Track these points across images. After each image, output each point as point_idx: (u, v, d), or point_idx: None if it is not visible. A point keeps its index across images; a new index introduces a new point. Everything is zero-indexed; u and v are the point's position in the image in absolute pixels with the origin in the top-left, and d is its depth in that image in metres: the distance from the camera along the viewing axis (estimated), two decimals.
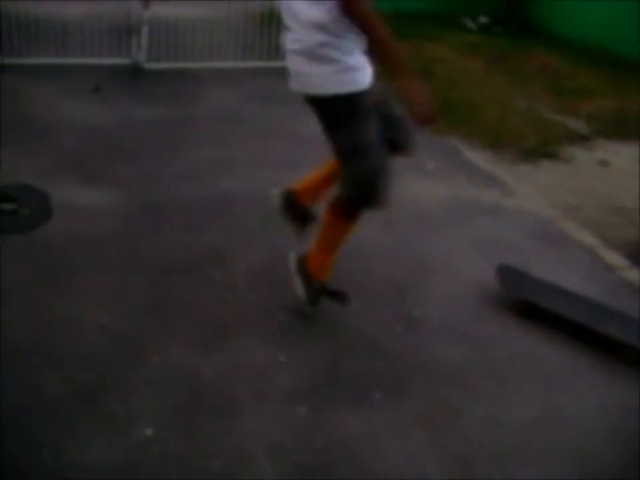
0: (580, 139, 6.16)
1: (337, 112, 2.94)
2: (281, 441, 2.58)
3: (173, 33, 7.35)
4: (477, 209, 4.59)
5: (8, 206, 4.07)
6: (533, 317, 3.44)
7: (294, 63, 3.01)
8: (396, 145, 3.13)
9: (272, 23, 8.18)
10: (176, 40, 7.33)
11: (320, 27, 2.82)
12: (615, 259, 4.16)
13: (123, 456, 2.45)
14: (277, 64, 7.23)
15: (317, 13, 2.81)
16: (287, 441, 2.58)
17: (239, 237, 3.92)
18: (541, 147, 5.83)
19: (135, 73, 7.07)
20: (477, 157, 5.56)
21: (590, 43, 9.51)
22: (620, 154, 5.92)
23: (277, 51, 7.55)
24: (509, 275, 3.64)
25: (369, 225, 4.18)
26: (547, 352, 3.24)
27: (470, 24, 10.79)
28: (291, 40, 2.98)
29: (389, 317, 3.36)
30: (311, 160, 4.87)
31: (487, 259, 3.85)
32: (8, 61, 6.71)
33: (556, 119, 6.66)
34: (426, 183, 4.91)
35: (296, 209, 3.48)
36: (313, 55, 2.88)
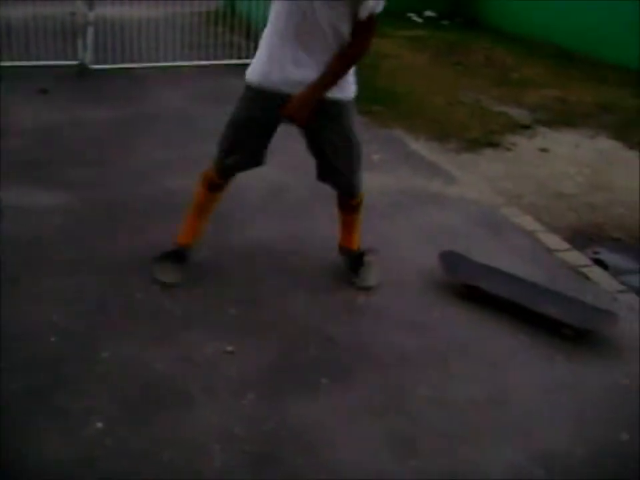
0: (522, 128, 6.34)
1: None
2: (232, 429, 2.64)
3: (119, 33, 7.35)
4: (421, 198, 4.71)
5: None
6: (475, 300, 3.55)
7: None
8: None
9: (217, 21, 8.24)
10: (122, 40, 7.34)
11: None
12: (555, 241, 4.31)
13: (76, 450, 2.49)
14: (224, 62, 7.30)
15: None
16: (238, 430, 2.64)
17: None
18: (485, 137, 5.99)
19: (81, 74, 7.06)
20: (422, 148, 5.69)
21: (535, 36, 9.74)
22: (560, 141, 6.11)
23: (223, 49, 7.61)
24: (451, 260, 3.75)
25: (314, 216, 4.30)
26: (490, 333, 3.36)
27: (416, 18, 10.95)
28: None
29: (334, 305, 3.44)
30: None
31: (431, 246, 3.96)
32: None
33: (500, 109, 6.83)
34: (371, 174, 4.98)
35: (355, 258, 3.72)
36: None
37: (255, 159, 3.37)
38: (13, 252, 3.71)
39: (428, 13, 11.18)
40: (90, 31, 7.14)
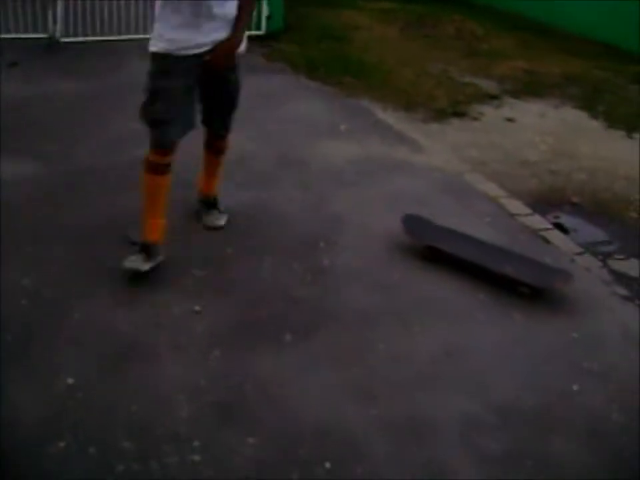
0: (490, 99, 6.44)
1: None
2: (198, 383, 2.74)
3: (89, 5, 7.33)
4: (387, 166, 4.80)
5: None
6: (436, 262, 3.66)
7: None
8: None
9: None
10: (92, 13, 7.31)
11: None
12: (517, 207, 4.43)
13: (47, 404, 2.59)
14: None
15: None
16: (204, 383, 2.75)
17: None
18: (452, 107, 6.08)
19: (51, 47, 7.04)
20: (389, 117, 5.77)
21: (506, 9, 9.82)
22: (527, 111, 6.22)
23: None
24: (413, 223, 3.86)
25: (282, 184, 4.39)
26: (450, 293, 3.48)
27: None
28: None
29: (299, 267, 3.54)
30: None
31: (396, 211, 4.04)
32: None
33: (468, 80, 6.92)
34: (338, 142, 5.10)
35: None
36: None
37: (190, 122, 3.42)
38: None
39: None
40: (60, 3, 7.12)
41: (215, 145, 3.76)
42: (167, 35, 3.23)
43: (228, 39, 3.30)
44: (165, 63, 3.26)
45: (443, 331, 3.21)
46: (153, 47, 3.29)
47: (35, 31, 7.13)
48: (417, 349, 3.08)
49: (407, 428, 2.64)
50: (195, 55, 3.26)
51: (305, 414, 2.65)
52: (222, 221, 3.89)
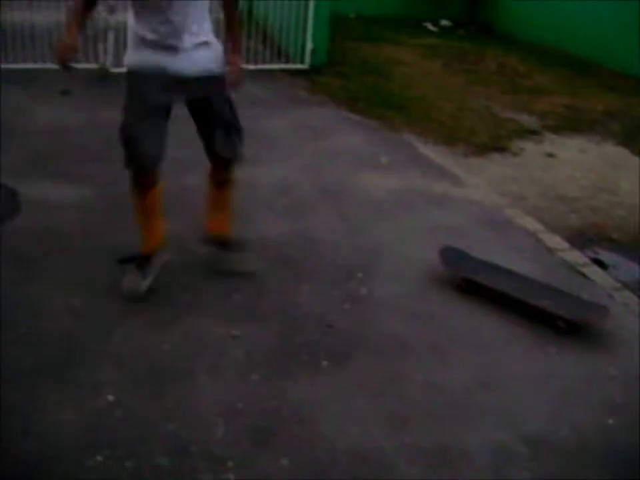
0: (530, 134, 6.46)
1: None
2: (235, 405, 2.79)
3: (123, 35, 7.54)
4: (427, 199, 4.85)
5: None
6: (473, 294, 3.68)
7: None
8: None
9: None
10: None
11: None
12: (556, 241, 4.43)
13: (87, 419, 2.66)
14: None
15: None
16: (240, 406, 2.79)
17: (195, 225, 4.11)
18: (492, 142, 6.12)
19: (102, 76, 7.27)
20: (430, 151, 5.83)
21: (549, 45, 9.86)
22: (567, 147, 6.23)
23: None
24: (451, 255, 3.89)
25: (322, 214, 4.46)
26: (486, 325, 3.49)
27: (431, 27, 11.10)
28: None
29: (337, 295, 3.59)
30: (267, 157, 5.14)
31: (434, 243, 4.08)
32: None
33: (509, 115, 6.96)
34: (379, 175, 5.16)
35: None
36: None
37: (162, 140, 3.37)
38: (31, 243, 3.89)
39: (443, 22, 11.34)
40: (111, 35, 7.36)
41: (219, 174, 3.62)
42: (137, 51, 3.24)
43: (232, 65, 3.37)
44: (134, 80, 3.28)
45: (478, 362, 3.22)
46: (126, 62, 3.32)
47: (87, 61, 7.35)
48: (452, 379, 3.09)
49: (440, 456, 2.65)
50: (170, 76, 3.23)
51: (339, 439, 2.68)
52: (251, 265, 3.74)
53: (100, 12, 7.29)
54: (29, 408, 2.69)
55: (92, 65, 7.33)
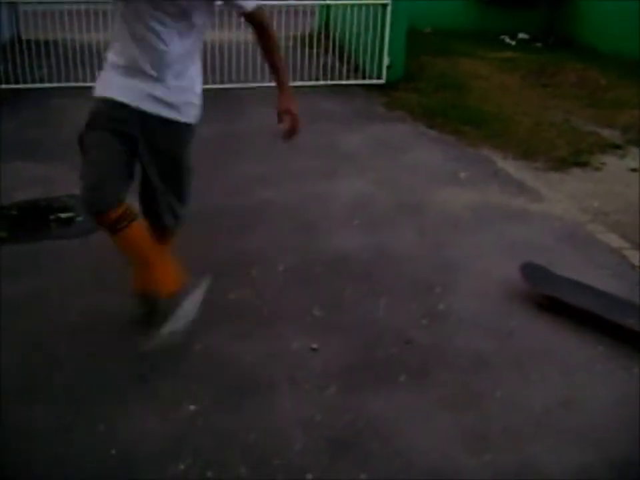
0: (613, 148, 6.31)
1: None
2: (313, 417, 2.81)
3: (218, 55, 7.72)
4: (506, 214, 4.79)
5: (64, 215, 4.43)
6: (555, 311, 3.62)
7: None
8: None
9: (312, 44, 8.52)
10: (221, 62, 7.70)
11: None
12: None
13: (169, 428, 2.72)
14: (318, 83, 7.56)
15: None
16: (318, 418, 2.81)
17: (276, 241, 4.20)
18: (573, 156, 6.00)
19: None
20: (509, 166, 5.76)
21: (629, 56, 9.63)
22: None
23: (317, 71, 7.88)
24: (532, 271, 3.83)
25: (400, 229, 4.46)
26: (568, 343, 3.42)
27: (508, 40, 10.99)
28: None
29: (415, 310, 3.58)
30: (345, 172, 5.17)
31: (514, 259, 4.03)
32: (65, 84, 7.17)
33: (590, 129, 6.81)
34: (457, 190, 5.13)
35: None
36: None
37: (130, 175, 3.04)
38: (115, 253, 3.99)
39: (521, 36, 11.21)
40: None
41: (161, 236, 3.25)
42: (107, 74, 2.96)
43: (284, 111, 3.08)
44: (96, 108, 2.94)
45: (559, 381, 3.15)
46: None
47: None
48: (532, 397, 3.04)
49: (520, 476, 2.60)
50: (136, 111, 2.91)
51: (417, 454, 2.67)
52: (181, 322, 3.18)
53: None
54: (113, 418, 2.77)
55: None
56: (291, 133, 3.15)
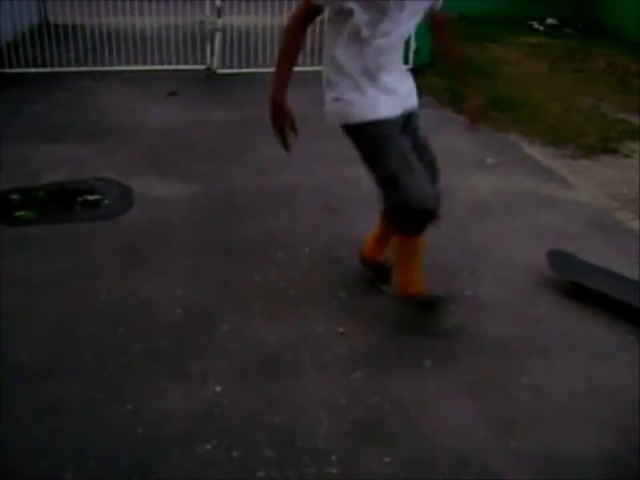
0: None
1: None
2: (338, 400, 2.82)
3: (244, 40, 7.71)
4: (533, 200, 4.75)
5: (92, 197, 4.46)
6: (581, 298, 3.58)
7: None
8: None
9: None
10: (247, 46, 7.69)
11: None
12: None
13: (195, 409, 2.74)
14: None
15: None
16: (343, 401, 2.81)
17: (302, 224, 4.20)
18: (602, 143, 5.93)
19: (208, 77, 7.46)
20: (537, 152, 5.70)
21: None
22: None
23: None
24: (559, 258, 3.79)
25: None
26: (594, 329, 3.39)
27: (537, 26, 10.86)
28: None
29: (442, 295, 3.55)
30: None
31: (541, 245, 4.00)
32: (93, 68, 7.21)
33: (619, 116, 6.72)
34: (485, 176, 5.09)
35: (374, 269, 3.63)
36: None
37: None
38: (143, 235, 4.04)
39: (550, 21, 11.07)
40: (217, 37, 7.55)
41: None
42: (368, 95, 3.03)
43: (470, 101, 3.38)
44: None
45: (586, 369, 3.13)
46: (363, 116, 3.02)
47: (194, 62, 7.58)
48: (558, 383, 3.02)
49: (547, 463, 2.59)
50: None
51: (442, 439, 2.66)
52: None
53: (208, 16, 7.51)
54: (140, 395, 2.79)
55: (199, 66, 7.53)
56: (474, 122, 3.45)
